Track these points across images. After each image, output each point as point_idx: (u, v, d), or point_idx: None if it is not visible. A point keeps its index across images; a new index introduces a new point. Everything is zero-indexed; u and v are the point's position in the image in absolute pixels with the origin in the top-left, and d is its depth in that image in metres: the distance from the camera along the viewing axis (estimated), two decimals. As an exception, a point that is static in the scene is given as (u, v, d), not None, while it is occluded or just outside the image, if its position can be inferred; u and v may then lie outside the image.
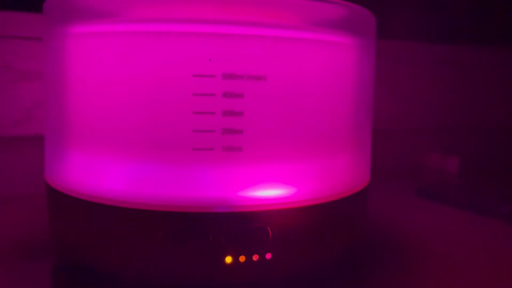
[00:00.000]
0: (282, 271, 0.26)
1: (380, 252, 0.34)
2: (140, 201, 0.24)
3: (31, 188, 0.44)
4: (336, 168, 0.28)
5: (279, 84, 0.25)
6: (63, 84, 0.27)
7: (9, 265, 0.30)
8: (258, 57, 0.24)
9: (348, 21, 0.28)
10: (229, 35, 0.24)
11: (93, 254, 0.26)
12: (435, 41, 0.66)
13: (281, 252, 0.25)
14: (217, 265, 0.24)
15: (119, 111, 0.25)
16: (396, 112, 0.64)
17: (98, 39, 0.25)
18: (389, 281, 0.29)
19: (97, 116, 0.26)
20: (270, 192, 0.25)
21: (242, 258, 0.25)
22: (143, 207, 0.24)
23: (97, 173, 0.26)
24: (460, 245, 0.36)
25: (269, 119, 0.25)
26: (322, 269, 0.28)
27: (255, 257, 0.25)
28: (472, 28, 0.72)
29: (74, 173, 0.27)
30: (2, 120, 0.43)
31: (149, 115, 0.24)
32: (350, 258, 0.32)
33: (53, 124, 0.29)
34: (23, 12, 0.42)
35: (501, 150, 0.72)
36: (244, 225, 0.24)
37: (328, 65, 0.27)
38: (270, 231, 0.25)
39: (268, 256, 0.25)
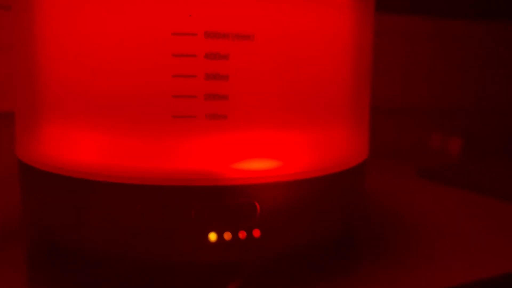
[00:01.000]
0: (271, 250, 0.24)
1: (377, 229, 0.32)
2: (116, 174, 0.22)
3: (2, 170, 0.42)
4: (330, 140, 0.26)
5: (268, 44, 0.23)
6: (33, 50, 0.25)
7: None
8: (244, 13, 0.22)
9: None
10: (211, -11, 0.22)
11: (68, 230, 0.24)
12: (440, 16, 0.63)
13: (270, 229, 0.23)
14: (200, 243, 0.22)
15: (92, 76, 0.23)
16: (399, 91, 0.61)
17: (68, -4, 0.23)
18: (384, 257, 0.27)
19: (69, 83, 0.24)
20: (258, 165, 0.23)
21: (227, 236, 0.23)
22: (120, 180, 0.22)
23: (71, 145, 0.24)
24: (455, 222, 0.34)
25: (257, 83, 0.23)
26: (315, 247, 0.26)
27: (241, 235, 0.23)
28: (480, 2, 0.69)
29: (47, 146, 0.25)
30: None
31: (124, 79, 0.22)
32: (345, 235, 0.30)
33: (23, 95, 0.26)
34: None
35: (504, 131, 0.70)
36: (229, 200, 0.22)
37: (322, 25, 0.25)
38: (258, 207, 0.23)
39: (256, 233, 0.23)
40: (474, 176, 0.44)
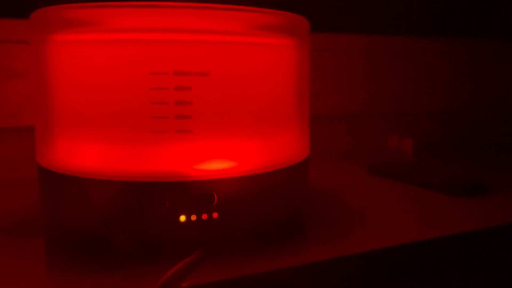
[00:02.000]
0: (227, 228, 0.32)
1: (322, 215, 0.41)
2: (110, 174, 0.31)
3: (24, 173, 0.51)
4: (275, 145, 0.34)
5: (221, 78, 0.31)
6: (47, 83, 0.33)
7: (7, 238, 0.36)
8: (202, 57, 0.31)
9: (282, 27, 0.34)
10: (177, 41, 0.30)
11: (74, 217, 0.33)
12: (391, 34, 0.72)
13: (226, 212, 0.32)
14: (173, 224, 0.31)
15: (92, 103, 0.31)
16: (361, 98, 0.70)
17: (73, 45, 0.32)
18: (322, 235, 0.36)
19: (75, 109, 0.32)
20: (216, 165, 0.32)
21: (193, 217, 0.31)
22: (114, 178, 0.31)
23: (77, 153, 0.32)
24: (387, 207, 0.43)
25: (213, 106, 0.31)
26: (264, 228, 0.35)
27: (204, 216, 0.31)
28: (426, 21, 0.78)
29: (59, 154, 0.33)
30: (-2, 113, 0.50)
31: (115, 106, 0.31)
32: (292, 219, 0.38)
33: (41, 116, 0.35)
34: (12, 18, 0.48)
35: (451, 131, 0.79)
36: (194, 192, 0.31)
37: (265, 61, 0.33)
38: (216, 196, 0.31)
39: (215, 215, 0.32)
40: (412, 172, 0.52)
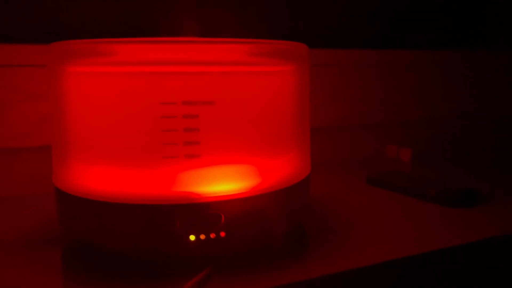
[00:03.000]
0: (234, 245, 0.35)
1: (322, 229, 0.43)
2: (124, 198, 0.33)
3: (39, 188, 0.53)
4: (278, 166, 0.37)
5: (226, 105, 0.33)
6: (63, 110, 0.36)
7: (26, 252, 0.39)
8: (207, 87, 0.33)
9: (281, 55, 0.36)
10: (184, 73, 0.32)
11: (91, 237, 0.35)
12: (386, 47, 0.74)
13: (233, 231, 0.34)
14: (184, 242, 0.33)
15: (107, 131, 0.34)
16: (359, 109, 0.72)
17: (89, 77, 0.34)
18: (324, 250, 0.38)
19: (91, 135, 0.34)
20: (223, 188, 0.34)
21: (202, 236, 0.33)
22: (127, 201, 0.33)
23: (92, 177, 0.35)
24: (388, 221, 0.45)
25: (220, 132, 0.34)
26: (269, 243, 0.37)
27: (212, 236, 0.33)
28: (420, 33, 0.80)
29: (75, 178, 0.36)
30: (13, 133, 0.52)
31: (128, 133, 0.33)
32: (292, 235, 0.40)
33: (58, 141, 0.37)
34: (28, 44, 0.51)
35: (448, 140, 0.81)
36: (203, 213, 0.33)
37: (266, 88, 0.35)
38: (223, 216, 0.34)
39: (222, 234, 0.34)
40: (410, 182, 0.54)
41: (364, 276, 0.36)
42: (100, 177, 0.34)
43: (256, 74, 0.35)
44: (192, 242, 0.33)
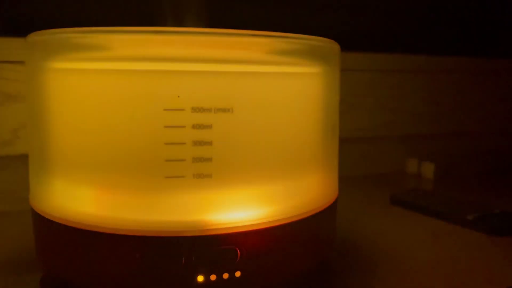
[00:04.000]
0: (251, 287, 0.28)
1: (348, 261, 0.36)
2: (117, 226, 0.26)
3: (18, 204, 0.46)
4: (302, 189, 0.30)
5: (245, 114, 0.27)
6: (45, 115, 0.29)
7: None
8: (224, 91, 0.26)
9: (310, 53, 0.30)
10: (197, 72, 0.26)
11: (74, 273, 0.28)
12: (412, 52, 0.68)
13: (250, 270, 0.27)
14: (190, 285, 0.26)
15: (96, 142, 0.27)
16: (377, 121, 0.66)
17: (77, 74, 0.27)
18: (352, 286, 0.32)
19: (76, 147, 0.28)
20: (239, 215, 0.27)
21: (213, 277, 0.27)
22: (121, 232, 0.26)
23: (76, 199, 0.28)
24: (424, 253, 0.38)
25: (237, 147, 0.27)
26: (291, 283, 0.30)
27: (225, 276, 0.27)
28: (447, 40, 0.74)
29: (56, 200, 0.29)
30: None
31: (124, 146, 0.26)
32: (318, 270, 0.34)
33: (35, 152, 0.31)
34: (8, 37, 0.44)
35: (474, 156, 0.74)
36: (214, 247, 0.26)
37: (292, 94, 0.29)
38: (239, 252, 0.27)
39: (238, 274, 0.27)
40: (441, 205, 0.48)
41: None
42: (87, 199, 0.28)
43: (283, 76, 0.28)
44: (200, 284, 0.26)
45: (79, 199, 0.28)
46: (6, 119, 0.45)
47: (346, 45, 0.63)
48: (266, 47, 0.28)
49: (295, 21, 0.60)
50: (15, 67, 0.44)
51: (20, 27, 0.46)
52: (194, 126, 0.26)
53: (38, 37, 0.29)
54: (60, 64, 0.28)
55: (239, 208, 0.27)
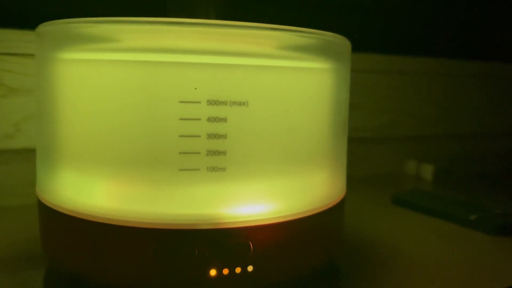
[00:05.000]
0: (263, 282, 0.28)
1: (355, 259, 0.36)
2: (129, 219, 0.26)
3: (21, 199, 0.46)
4: (314, 185, 0.30)
5: (260, 108, 0.27)
6: (55, 107, 0.29)
7: (3, 273, 0.32)
8: (240, 84, 0.26)
9: (324, 48, 0.30)
10: (213, 65, 0.26)
11: (83, 267, 0.28)
12: (413, 55, 0.69)
13: (262, 265, 0.27)
14: (202, 278, 0.26)
15: (110, 134, 0.27)
16: (376, 121, 0.66)
17: (89, 65, 0.27)
18: (360, 284, 0.32)
19: (89, 139, 0.27)
20: (252, 209, 0.27)
21: (225, 271, 0.26)
22: (132, 224, 0.26)
23: (88, 191, 0.28)
24: (428, 253, 0.39)
25: (251, 141, 0.27)
26: (301, 278, 0.30)
27: (237, 270, 0.27)
28: (449, 43, 0.75)
29: (66, 191, 0.29)
30: (-9, 133, 0.44)
31: (139, 138, 0.26)
32: (327, 266, 0.34)
33: (45, 143, 0.30)
34: (12, 29, 0.43)
35: (473, 158, 0.75)
36: (227, 241, 0.26)
37: (305, 90, 0.29)
38: (251, 246, 0.27)
39: (250, 268, 0.27)
40: (442, 205, 0.48)
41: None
42: (98, 191, 0.27)
43: (297, 71, 0.28)
44: (213, 278, 0.26)
45: (90, 191, 0.28)
46: (10, 112, 0.44)
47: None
48: (282, 40, 0.28)
49: (293, 20, 0.61)
50: (19, 59, 0.43)
51: (21, 18, 0.46)
52: (209, 119, 0.26)
53: (48, 27, 0.29)
54: (71, 55, 0.28)
55: (253, 202, 0.27)
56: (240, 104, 0.26)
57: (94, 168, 0.27)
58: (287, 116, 0.28)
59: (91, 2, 0.48)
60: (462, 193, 0.58)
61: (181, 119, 0.26)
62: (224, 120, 0.26)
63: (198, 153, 0.26)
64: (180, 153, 0.26)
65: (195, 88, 0.25)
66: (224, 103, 0.26)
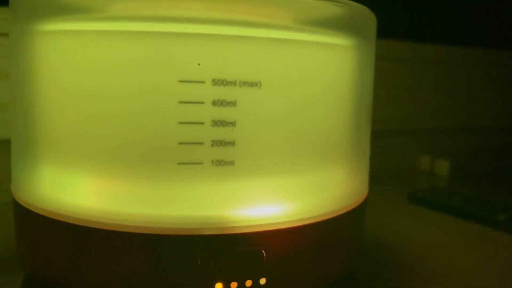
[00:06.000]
0: (277, 297, 0.24)
1: (373, 265, 0.32)
2: (118, 222, 0.22)
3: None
4: (335, 182, 0.26)
5: (275, 90, 0.23)
6: (33, 88, 0.24)
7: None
8: (252, 61, 0.22)
9: (349, 21, 0.26)
10: (220, 36, 0.21)
11: (66, 277, 0.24)
12: (428, 42, 0.64)
13: (277, 276, 0.23)
14: (206, 293, 0.22)
15: (96, 120, 0.22)
16: (388, 113, 0.62)
17: (72, 38, 0.22)
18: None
19: (71, 125, 0.23)
20: (265, 211, 0.23)
21: (233, 285, 0.22)
22: (122, 228, 0.22)
23: (70, 188, 0.23)
24: (453, 256, 0.34)
25: (264, 129, 0.23)
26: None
27: (248, 283, 0.22)
28: (466, 30, 0.70)
29: (45, 189, 0.24)
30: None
31: (130, 125, 0.22)
32: (347, 273, 0.30)
33: (21, 133, 0.26)
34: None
35: (490, 152, 0.71)
36: (236, 248, 0.22)
37: (326, 70, 0.25)
38: (264, 254, 0.22)
39: (263, 281, 0.23)
40: (460, 202, 0.44)
41: None
42: (81, 189, 0.23)
43: (318, 47, 0.24)
44: (219, 292, 0.22)
45: (73, 189, 0.23)
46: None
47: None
48: (302, 9, 0.23)
49: None
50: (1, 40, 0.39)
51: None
52: (214, 103, 0.21)
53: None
54: (50, 26, 0.23)
55: (266, 203, 0.23)
56: (252, 85, 0.22)
57: (78, 161, 0.23)
58: (306, 100, 0.24)
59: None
60: (482, 190, 0.54)
61: (180, 102, 0.21)
62: (232, 104, 0.22)
63: (202, 143, 0.22)
64: (179, 143, 0.22)
65: (198, 64, 0.21)
66: (232, 83, 0.22)
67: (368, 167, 0.30)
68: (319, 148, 0.25)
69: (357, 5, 0.25)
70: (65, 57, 0.23)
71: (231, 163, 0.22)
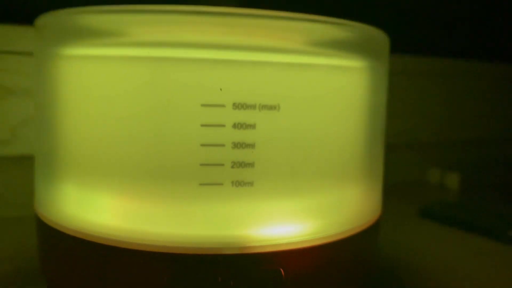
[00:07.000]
0: (295, 315, 0.24)
1: (386, 283, 0.33)
2: (140, 241, 0.22)
3: (18, 210, 0.42)
4: (351, 201, 0.26)
5: (293, 113, 0.23)
6: (57, 109, 0.25)
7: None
8: (270, 85, 0.23)
9: (362, 44, 0.26)
10: (240, 62, 0.22)
11: (88, 295, 0.24)
12: (437, 55, 0.65)
13: (295, 295, 0.23)
14: (227, 311, 0.22)
15: (120, 142, 0.23)
16: (397, 127, 0.62)
17: (97, 63, 0.23)
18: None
19: (95, 147, 0.24)
20: (283, 230, 0.23)
21: (253, 303, 0.23)
22: (144, 247, 0.22)
23: (93, 208, 0.24)
24: (468, 273, 0.35)
25: (282, 151, 0.23)
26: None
27: (267, 302, 0.23)
28: (476, 44, 0.71)
29: (69, 208, 0.25)
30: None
31: (153, 147, 0.22)
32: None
33: (44, 151, 0.26)
34: (11, 25, 0.40)
35: (500, 165, 0.71)
36: (255, 267, 0.23)
37: (341, 91, 0.25)
38: (283, 273, 0.23)
39: (281, 300, 0.23)
40: (472, 217, 0.45)
41: None
42: (104, 208, 0.24)
43: (334, 70, 0.25)
44: (238, 311, 0.22)
45: (96, 208, 0.24)
46: (5, 116, 0.40)
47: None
48: (318, 33, 0.24)
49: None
50: (16, 57, 0.40)
51: (19, 13, 0.42)
52: (235, 125, 0.22)
53: (48, 19, 0.25)
54: (74, 51, 0.24)
55: (285, 222, 0.23)
56: (271, 108, 0.23)
57: (101, 181, 0.24)
58: (322, 122, 0.24)
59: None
60: (494, 204, 0.54)
61: (203, 125, 0.22)
62: (252, 126, 0.22)
63: (222, 165, 0.22)
64: (201, 164, 0.22)
65: (220, 89, 0.21)
66: (252, 106, 0.22)
67: (382, 185, 0.30)
68: (335, 168, 0.25)
69: (370, 28, 0.26)
70: (91, 81, 0.23)
71: (250, 183, 0.23)
